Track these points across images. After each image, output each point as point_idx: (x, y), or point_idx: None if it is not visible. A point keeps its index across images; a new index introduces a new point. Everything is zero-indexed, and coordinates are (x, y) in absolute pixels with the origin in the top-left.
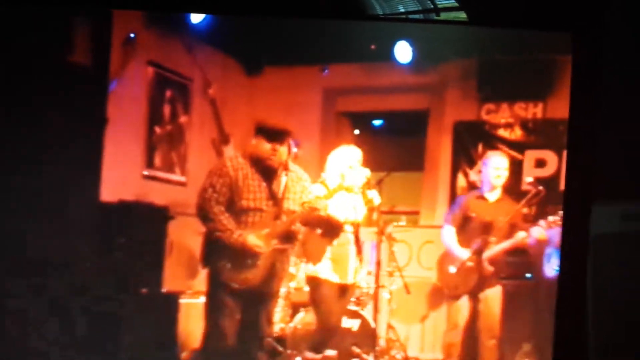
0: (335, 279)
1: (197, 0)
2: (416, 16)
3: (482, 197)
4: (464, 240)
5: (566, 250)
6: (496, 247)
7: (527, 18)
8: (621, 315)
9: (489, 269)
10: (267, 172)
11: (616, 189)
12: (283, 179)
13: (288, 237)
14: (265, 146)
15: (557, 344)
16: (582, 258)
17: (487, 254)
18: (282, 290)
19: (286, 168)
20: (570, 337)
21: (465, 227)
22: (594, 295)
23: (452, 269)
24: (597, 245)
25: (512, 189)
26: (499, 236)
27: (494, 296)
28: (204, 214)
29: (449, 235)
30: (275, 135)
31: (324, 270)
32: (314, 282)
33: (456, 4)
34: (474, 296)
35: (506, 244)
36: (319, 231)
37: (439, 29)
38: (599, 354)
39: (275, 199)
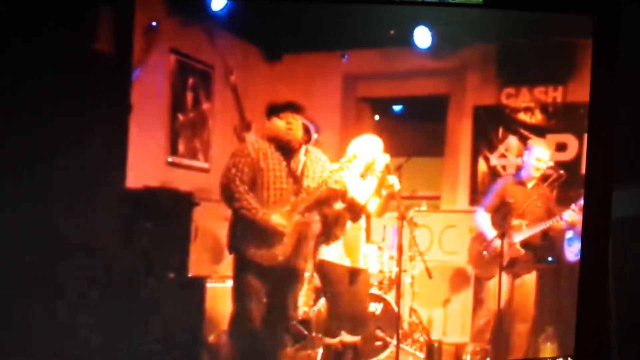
0: (346, 262)
1: None
2: None
3: (521, 183)
4: (497, 225)
5: (588, 234)
6: (529, 231)
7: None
8: None
9: (521, 251)
10: (286, 149)
11: (637, 172)
12: (302, 157)
13: (309, 212)
14: (279, 123)
15: (579, 327)
16: (604, 242)
17: (520, 237)
18: (306, 275)
19: (302, 146)
20: (592, 320)
21: (500, 211)
22: (616, 278)
23: (484, 251)
24: (618, 228)
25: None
26: (533, 220)
27: (530, 281)
28: (229, 193)
29: (483, 218)
30: (285, 109)
31: (336, 254)
32: (326, 266)
33: None
34: (508, 280)
35: (539, 228)
36: (334, 215)
37: (457, 12)
38: (622, 336)
39: (294, 176)
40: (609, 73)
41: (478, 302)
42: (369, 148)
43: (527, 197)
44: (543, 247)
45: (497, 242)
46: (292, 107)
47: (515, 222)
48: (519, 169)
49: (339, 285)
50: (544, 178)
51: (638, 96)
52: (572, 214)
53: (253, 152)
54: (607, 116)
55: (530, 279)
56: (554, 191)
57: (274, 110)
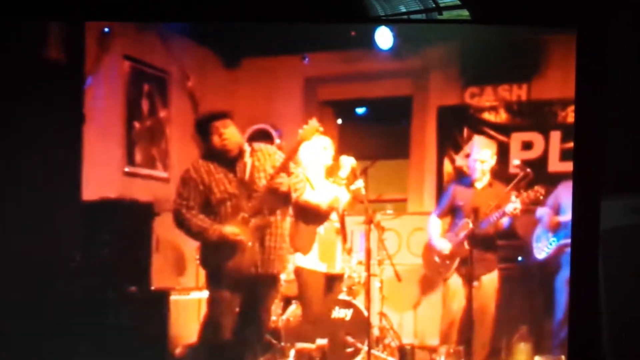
0: (322, 268)
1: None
2: (418, 16)
3: (470, 185)
4: (448, 229)
5: (577, 246)
6: (474, 227)
7: (530, 13)
8: (634, 308)
9: (467, 248)
10: (228, 160)
11: (625, 183)
12: (248, 160)
13: (259, 213)
14: (213, 138)
15: (572, 337)
16: (593, 253)
17: (465, 234)
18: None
19: (247, 148)
20: (584, 332)
21: (454, 216)
22: (606, 289)
23: (436, 257)
24: (607, 239)
25: (500, 173)
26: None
27: (490, 282)
28: (177, 222)
29: (433, 224)
30: (210, 120)
31: (311, 260)
32: (301, 273)
33: (458, 2)
34: (468, 282)
35: (485, 223)
36: (304, 222)
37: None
38: (614, 346)
39: (242, 182)
40: (594, 82)
41: (444, 305)
42: (318, 147)
43: (478, 198)
44: (503, 246)
45: (445, 246)
46: (217, 116)
47: (463, 222)
48: (469, 171)
49: (314, 290)
50: (510, 178)
51: (624, 105)
52: (514, 206)
53: (194, 173)
54: (593, 126)
55: (491, 279)
56: (522, 190)
57: (200, 125)
